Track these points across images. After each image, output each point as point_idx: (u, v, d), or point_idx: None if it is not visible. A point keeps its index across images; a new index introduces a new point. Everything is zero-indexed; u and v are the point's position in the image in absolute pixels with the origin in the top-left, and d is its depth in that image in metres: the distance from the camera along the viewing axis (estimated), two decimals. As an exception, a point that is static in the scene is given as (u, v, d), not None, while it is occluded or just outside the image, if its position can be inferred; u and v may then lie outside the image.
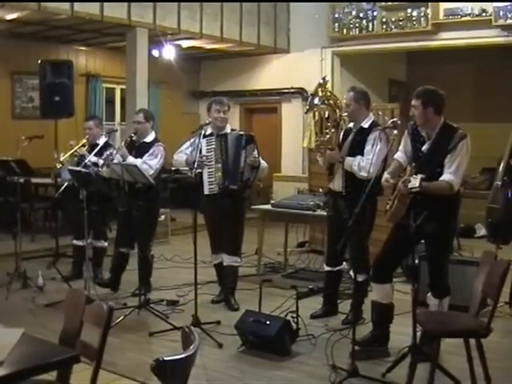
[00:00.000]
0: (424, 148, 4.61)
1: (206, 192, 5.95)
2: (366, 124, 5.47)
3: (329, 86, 5.56)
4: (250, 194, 6.63)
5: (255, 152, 5.93)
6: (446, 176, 4.45)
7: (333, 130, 5.51)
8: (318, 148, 5.60)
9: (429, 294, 4.83)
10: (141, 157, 6.29)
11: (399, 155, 4.86)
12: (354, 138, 5.46)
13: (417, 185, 4.23)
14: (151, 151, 6.34)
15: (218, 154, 5.94)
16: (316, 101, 5.59)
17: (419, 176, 4.26)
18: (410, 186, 4.26)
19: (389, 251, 4.80)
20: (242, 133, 6.16)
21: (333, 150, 5.43)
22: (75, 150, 6.76)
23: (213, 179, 5.94)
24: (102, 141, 7.01)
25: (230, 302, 6.14)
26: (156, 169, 6.26)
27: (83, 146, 6.84)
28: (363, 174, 5.16)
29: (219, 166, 5.93)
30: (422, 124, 4.60)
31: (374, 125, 5.48)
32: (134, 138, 6.44)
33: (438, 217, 4.49)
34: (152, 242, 6.58)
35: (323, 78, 5.70)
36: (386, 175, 4.72)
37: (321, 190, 7.32)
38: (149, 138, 6.48)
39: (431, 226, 4.46)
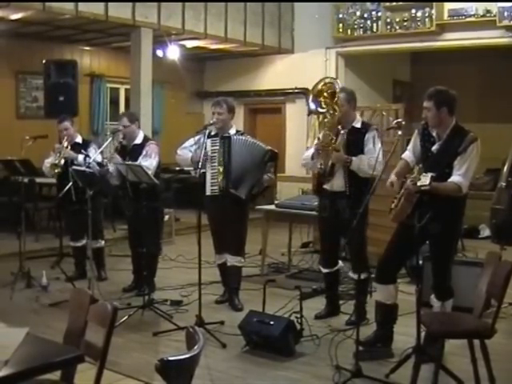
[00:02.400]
0: (434, 148, 4.59)
1: (208, 193, 5.92)
2: (357, 124, 5.55)
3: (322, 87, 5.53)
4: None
5: (271, 174, 5.95)
6: (455, 178, 4.44)
7: (342, 132, 5.49)
8: (322, 149, 5.52)
9: (432, 296, 4.82)
10: (135, 160, 6.22)
11: (407, 154, 4.85)
12: (347, 138, 5.49)
13: (427, 183, 4.18)
14: (144, 152, 6.30)
15: (221, 156, 5.89)
16: (312, 106, 5.56)
17: (429, 174, 4.22)
18: (419, 184, 4.21)
19: (393, 252, 4.79)
20: (269, 148, 6.01)
21: (338, 151, 5.42)
22: (63, 152, 6.70)
23: (215, 181, 5.90)
24: (79, 139, 7.02)
25: (234, 302, 6.14)
26: (153, 167, 6.22)
27: (66, 147, 6.78)
28: (371, 172, 5.15)
29: (222, 168, 5.88)
30: (436, 125, 4.57)
31: (367, 124, 5.64)
32: (124, 143, 6.42)
33: (444, 218, 4.47)
34: (161, 241, 6.60)
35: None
36: (392, 176, 4.70)
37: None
38: (139, 140, 6.45)
39: (436, 227, 4.45)
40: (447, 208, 4.49)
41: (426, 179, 4.20)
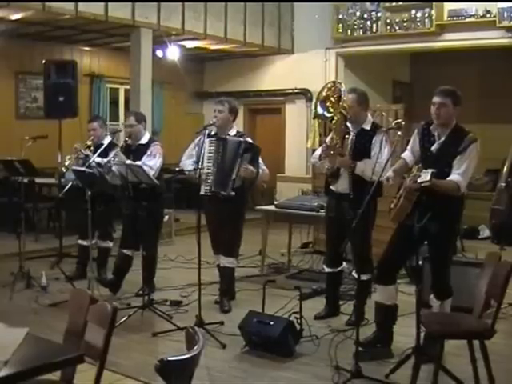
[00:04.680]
0: (433, 148, 4.59)
1: (201, 192, 5.89)
2: (367, 126, 5.46)
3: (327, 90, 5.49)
4: (249, 196, 6.51)
5: (246, 165, 5.77)
6: (454, 176, 4.44)
7: (346, 136, 5.45)
8: (328, 153, 5.48)
9: (431, 296, 4.82)
10: (139, 159, 6.24)
11: (407, 154, 4.85)
12: (356, 140, 5.45)
13: (428, 178, 4.17)
14: (148, 152, 6.32)
15: (216, 157, 5.84)
16: (320, 111, 5.49)
17: (430, 170, 4.22)
18: (420, 180, 4.20)
19: (392, 252, 4.79)
20: (241, 140, 5.89)
21: (344, 155, 5.40)
22: (79, 153, 6.76)
23: (209, 181, 5.87)
24: (106, 141, 7.01)
25: (222, 303, 6.09)
26: (156, 168, 6.23)
27: (89, 147, 6.84)
28: (375, 177, 5.06)
29: (215, 169, 5.85)
30: (446, 122, 4.54)
31: (376, 126, 5.49)
32: (129, 142, 6.41)
33: (442, 218, 4.48)
34: (158, 243, 6.59)
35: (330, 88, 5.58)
36: (390, 173, 4.70)
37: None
38: (144, 140, 6.46)
39: (434, 227, 4.45)
40: (445, 208, 4.49)
41: (426, 175, 4.20)
